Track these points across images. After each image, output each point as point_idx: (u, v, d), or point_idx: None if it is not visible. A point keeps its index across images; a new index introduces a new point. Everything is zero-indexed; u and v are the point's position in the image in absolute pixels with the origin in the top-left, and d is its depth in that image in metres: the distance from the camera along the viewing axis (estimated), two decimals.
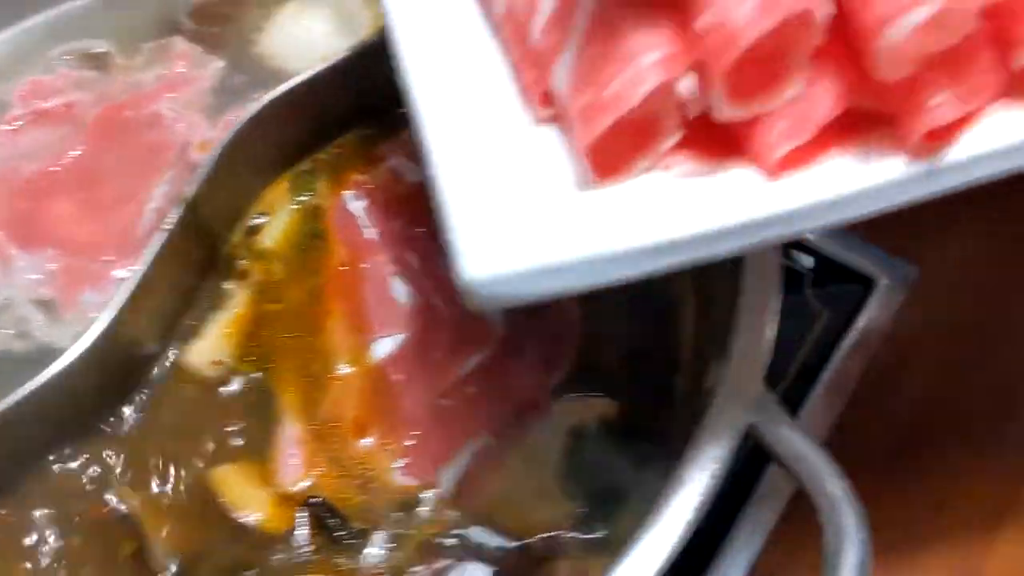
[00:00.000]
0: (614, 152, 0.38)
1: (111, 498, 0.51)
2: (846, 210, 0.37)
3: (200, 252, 0.56)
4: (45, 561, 0.50)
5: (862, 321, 0.65)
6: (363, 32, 0.62)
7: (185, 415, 0.54)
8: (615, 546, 0.44)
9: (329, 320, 0.56)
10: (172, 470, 0.52)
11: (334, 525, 0.51)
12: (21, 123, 0.63)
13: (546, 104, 0.42)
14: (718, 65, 0.35)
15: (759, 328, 0.47)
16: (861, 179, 0.37)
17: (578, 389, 0.54)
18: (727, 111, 0.36)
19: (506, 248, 0.38)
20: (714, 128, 0.38)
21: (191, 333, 0.56)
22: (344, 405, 0.54)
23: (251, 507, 0.52)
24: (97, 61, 0.65)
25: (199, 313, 0.56)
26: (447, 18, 0.47)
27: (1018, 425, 0.60)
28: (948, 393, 0.62)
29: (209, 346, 0.55)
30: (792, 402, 0.62)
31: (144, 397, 0.54)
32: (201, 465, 0.53)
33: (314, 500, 0.51)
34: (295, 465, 0.52)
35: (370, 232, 0.58)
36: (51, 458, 0.52)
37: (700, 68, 0.36)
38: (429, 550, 0.51)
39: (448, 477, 0.52)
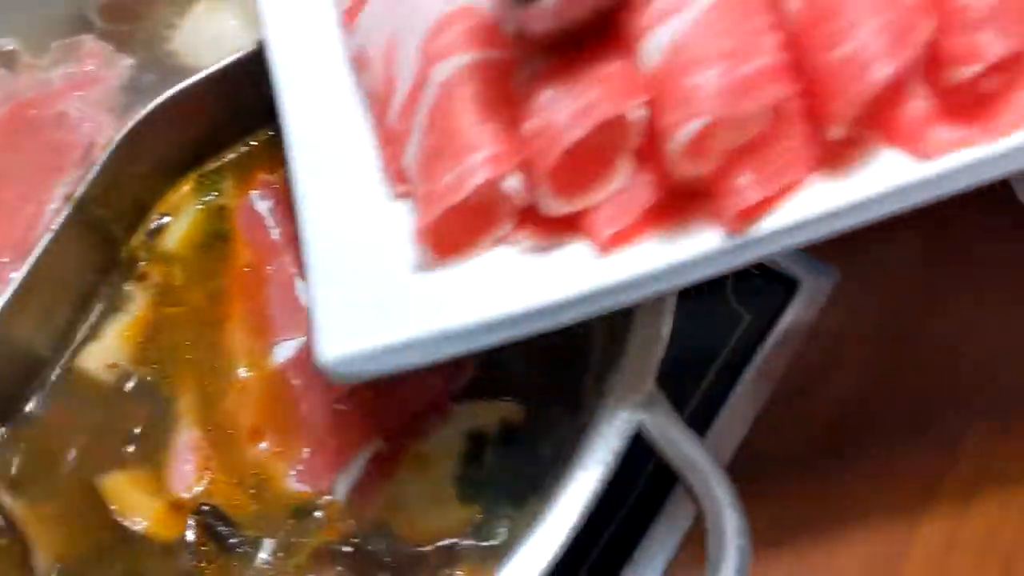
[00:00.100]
0: (451, 235, 0.41)
1: None
2: (676, 279, 0.39)
3: (98, 253, 0.55)
4: None
5: (784, 323, 0.64)
6: None
7: (78, 419, 0.53)
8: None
9: (230, 323, 0.55)
10: (61, 475, 0.51)
11: (225, 533, 0.49)
12: None
13: (401, 181, 0.44)
14: (542, 165, 0.38)
15: (651, 329, 0.46)
16: (686, 251, 0.38)
17: (483, 392, 0.52)
18: (553, 206, 0.39)
19: (355, 329, 0.40)
20: None
21: (88, 335, 0.54)
22: (241, 411, 0.52)
23: (141, 514, 0.50)
24: (4, 59, 0.63)
25: (97, 315, 0.55)
26: (332, 86, 0.49)
27: (936, 426, 0.60)
28: (869, 393, 0.61)
29: (105, 349, 0.54)
30: (713, 403, 0.62)
31: (37, 400, 0.53)
32: (92, 470, 0.51)
33: (205, 507, 0.50)
34: (187, 471, 0.51)
35: (276, 233, 0.57)
36: None
37: (526, 167, 0.39)
38: (324, 558, 0.49)
39: (343, 484, 0.50)
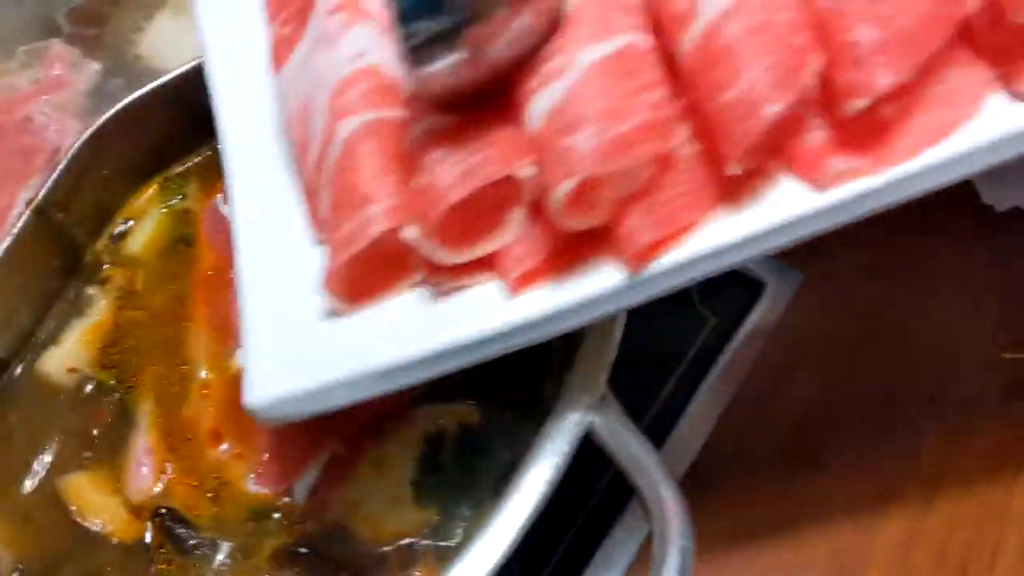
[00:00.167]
0: (363, 281, 0.42)
1: None
2: (585, 315, 0.40)
3: (60, 258, 0.55)
4: None
5: (749, 325, 0.64)
6: None
7: (38, 422, 0.53)
8: None
9: (193, 327, 0.55)
10: (21, 477, 0.51)
11: (183, 535, 0.50)
12: None
13: (320, 230, 0.45)
14: (428, 221, 0.39)
15: (604, 332, 0.46)
16: (592, 288, 0.40)
17: (441, 395, 0.53)
18: (443, 257, 0.41)
19: (279, 375, 0.41)
20: None
21: (49, 339, 0.55)
22: (201, 414, 0.53)
23: (101, 516, 0.51)
24: None
25: (58, 319, 0.55)
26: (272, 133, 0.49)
27: (897, 425, 0.60)
28: (832, 393, 0.62)
29: (66, 353, 0.54)
30: (678, 404, 0.62)
31: None
32: (52, 472, 0.52)
33: (163, 510, 0.50)
34: (145, 474, 0.51)
35: None
36: None
37: (418, 220, 0.40)
38: (282, 559, 0.50)
39: (302, 486, 0.51)
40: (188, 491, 0.51)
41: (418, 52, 0.38)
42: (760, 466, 0.60)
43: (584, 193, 0.37)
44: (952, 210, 0.64)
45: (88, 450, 0.52)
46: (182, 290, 0.56)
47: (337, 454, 0.51)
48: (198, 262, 0.57)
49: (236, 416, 0.52)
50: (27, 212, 0.52)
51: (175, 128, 0.58)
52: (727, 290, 0.65)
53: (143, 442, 0.52)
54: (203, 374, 0.54)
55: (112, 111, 0.55)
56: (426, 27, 0.37)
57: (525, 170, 0.39)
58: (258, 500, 0.51)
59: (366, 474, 0.51)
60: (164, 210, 0.59)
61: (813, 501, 0.59)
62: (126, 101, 0.55)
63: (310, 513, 0.50)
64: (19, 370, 0.54)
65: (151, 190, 0.59)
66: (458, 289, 0.42)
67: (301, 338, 0.43)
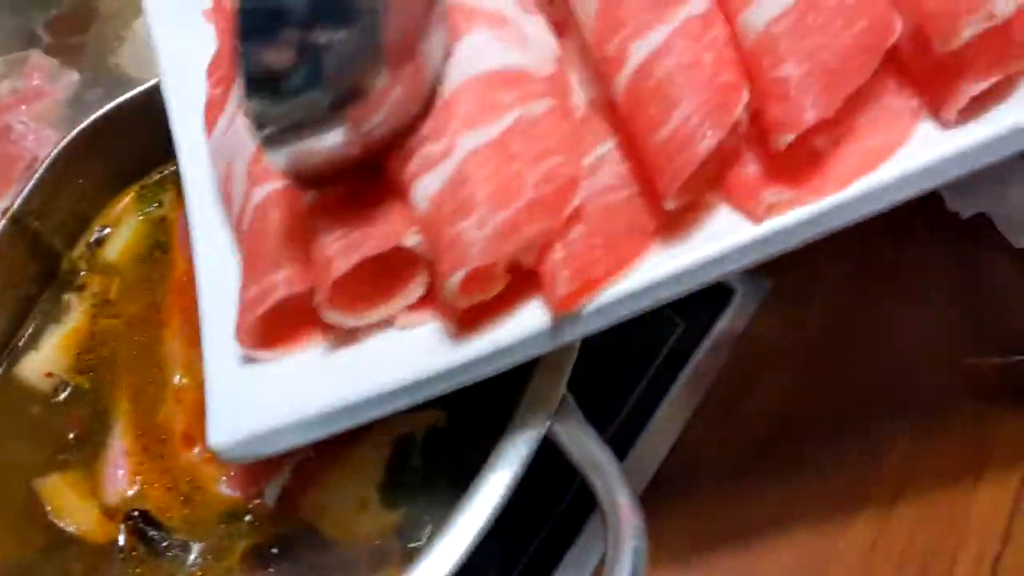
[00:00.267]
0: (274, 334, 0.44)
1: None
2: (522, 353, 0.41)
3: (37, 265, 0.56)
4: None
5: (717, 331, 0.65)
6: None
7: (14, 426, 0.54)
8: None
9: (167, 332, 0.56)
10: None
11: (156, 537, 0.51)
12: None
13: None
14: (319, 290, 0.41)
15: None
16: (528, 328, 0.41)
17: None
18: (341, 321, 0.42)
19: (239, 418, 0.43)
20: None
21: (26, 345, 0.56)
22: (175, 417, 0.54)
23: (76, 518, 0.52)
24: None
25: (35, 325, 0.56)
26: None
27: (862, 432, 0.61)
28: (798, 400, 0.63)
29: (43, 358, 0.55)
30: (645, 410, 0.63)
31: None
32: (29, 474, 0.52)
33: (135, 512, 0.51)
34: (120, 477, 0.52)
35: None
36: None
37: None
38: (254, 561, 0.51)
39: (273, 489, 0.52)
40: (161, 493, 0.52)
41: (275, 137, 0.38)
42: (726, 471, 0.61)
43: (476, 278, 0.39)
44: (918, 217, 0.66)
45: (64, 453, 0.53)
46: (158, 297, 0.57)
47: (307, 457, 0.52)
48: (174, 269, 0.58)
49: None
50: (3, 221, 0.53)
51: (152, 137, 0.59)
52: (696, 297, 0.66)
53: (118, 445, 0.53)
54: (177, 379, 0.54)
55: (89, 121, 0.56)
56: (281, 110, 0.37)
57: (412, 240, 0.40)
58: (230, 502, 0.51)
59: (336, 477, 0.52)
60: (141, 218, 0.60)
61: (778, 507, 0.60)
62: (103, 111, 0.56)
63: (281, 515, 0.51)
64: None
65: (128, 198, 0.60)
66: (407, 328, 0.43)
67: (259, 382, 0.44)
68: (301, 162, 0.40)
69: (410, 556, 0.50)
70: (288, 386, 0.44)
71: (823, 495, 0.60)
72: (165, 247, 0.58)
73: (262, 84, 0.37)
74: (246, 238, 0.45)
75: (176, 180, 0.60)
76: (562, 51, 0.44)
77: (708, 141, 0.37)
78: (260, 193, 0.44)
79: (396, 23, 0.38)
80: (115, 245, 0.59)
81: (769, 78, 0.37)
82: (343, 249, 0.40)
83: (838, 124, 0.39)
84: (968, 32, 0.35)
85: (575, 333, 0.41)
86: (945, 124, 0.38)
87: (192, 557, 0.51)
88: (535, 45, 0.43)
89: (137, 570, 0.50)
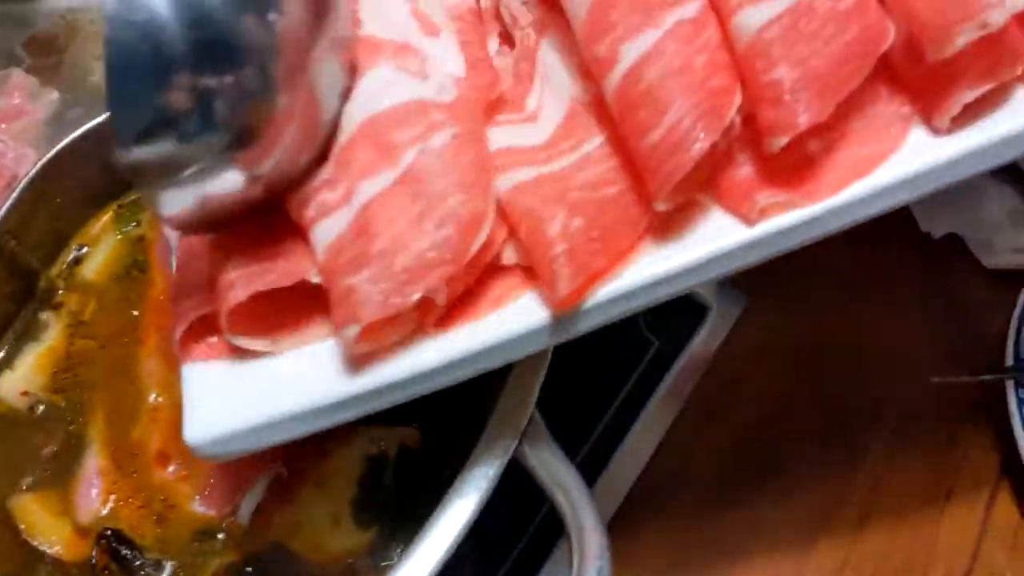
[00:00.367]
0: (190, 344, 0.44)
1: None
2: (512, 352, 0.41)
3: (14, 283, 0.57)
4: None
5: (693, 348, 0.66)
6: None
7: None
8: None
9: (144, 351, 0.56)
10: None
11: (129, 556, 0.51)
12: None
13: None
14: (220, 316, 0.41)
15: (532, 358, 0.48)
16: (520, 326, 0.40)
17: (383, 417, 0.54)
18: (248, 344, 0.42)
19: (216, 414, 0.42)
20: None
21: (2, 363, 0.56)
22: (150, 436, 0.54)
23: (49, 536, 0.52)
24: None
25: (11, 343, 0.57)
26: None
27: (835, 450, 0.62)
28: (772, 417, 0.63)
29: (18, 377, 0.56)
30: (620, 428, 0.64)
31: None
32: (2, 493, 0.53)
33: (108, 531, 0.51)
34: (93, 496, 0.52)
35: None
36: None
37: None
38: None
39: (246, 507, 0.52)
40: (135, 512, 0.52)
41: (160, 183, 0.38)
42: (700, 489, 0.62)
43: (374, 328, 0.39)
44: (893, 237, 0.66)
45: (39, 471, 0.53)
46: (135, 316, 0.58)
47: (280, 475, 0.52)
48: (151, 288, 0.58)
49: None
50: None
51: None
52: (672, 314, 0.66)
53: (93, 464, 0.53)
54: (153, 398, 0.55)
55: (68, 140, 0.56)
56: (169, 157, 0.37)
57: (317, 278, 0.40)
58: (203, 521, 0.52)
59: (309, 495, 0.52)
60: (119, 237, 0.60)
61: (749, 528, 0.60)
62: (82, 130, 0.57)
63: (254, 533, 0.51)
64: None
65: (106, 217, 0.60)
66: None
67: (239, 377, 0.43)
68: (192, 209, 0.39)
69: (382, 575, 0.50)
70: (270, 383, 0.43)
71: (795, 514, 0.60)
72: (143, 266, 0.59)
73: (150, 131, 0.36)
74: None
75: None
76: (542, 48, 0.44)
77: (700, 145, 0.37)
78: None
79: (287, 62, 0.37)
80: (93, 264, 0.59)
81: (762, 82, 0.37)
82: (241, 279, 0.40)
83: (831, 129, 0.39)
84: (962, 40, 0.36)
85: (567, 333, 0.41)
86: (937, 131, 0.39)
87: None
88: (438, 69, 0.42)
89: None
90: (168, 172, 0.37)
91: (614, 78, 0.39)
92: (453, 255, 0.39)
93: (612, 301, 0.40)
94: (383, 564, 0.51)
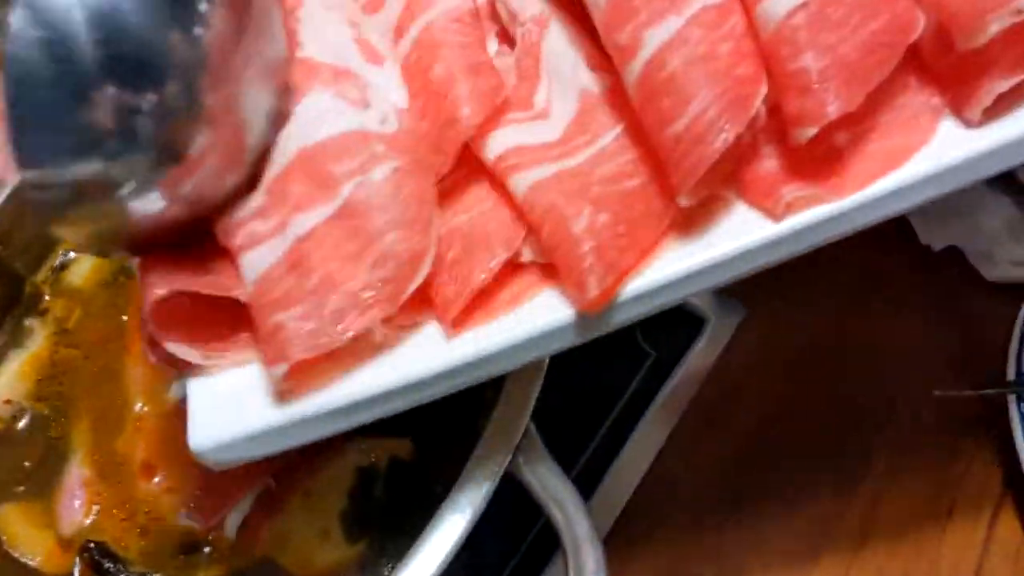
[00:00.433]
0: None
1: None
2: (530, 353, 0.39)
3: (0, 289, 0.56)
4: None
5: (690, 360, 0.65)
6: None
7: None
8: None
9: (130, 359, 0.55)
10: None
11: (112, 569, 0.50)
12: None
13: None
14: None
15: (528, 371, 0.47)
16: (540, 326, 0.38)
17: (374, 428, 0.53)
18: (186, 355, 0.40)
19: (222, 419, 0.40)
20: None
21: None
22: (135, 446, 0.53)
23: (32, 548, 0.51)
24: None
25: None
26: None
27: (834, 464, 0.61)
28: (770, 430, 0.62)
29: (3, 384, 0.55)
30: (617, 439, 0.63)
31: None
32: None
33: (91, 544, 0.50)
34: (76, 507, 0.51)
35: None
36: None
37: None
38: None
39: (233, 519, 0.51)
40: (118, 524, 0.51)
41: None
42: (698, 502, 0.61)
43: (303, 367, 0.38)
44: (893, 248, 0.65)
45: (21, 482, 0.52)
46: (122, 323, 0.57)
47: (268, 487, 0.51)
48: (138, 294, 0.57)
49: (170, 449, 0.52)
50: None
51: None
52: (668, 326, 0.66)
53: (76, 474, 0.52)
54: (138, 407, 0.54)
55: None
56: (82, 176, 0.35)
57: (244, 297, 0.39)
58: (189, 534, 0.51)
59: (297, 507, 0.51)
60: None
61: (747, 542, 0.59)
62: None
63: (240, 547, 0.50)
64: None
65: None
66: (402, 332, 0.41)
67: (245, 381, 0.41)
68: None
69: None
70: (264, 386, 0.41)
71: (795, 528, 0.59)
72: (129, 272, 0.58)
73: (58, 153, 0.35)
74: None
75: None
76: (546, 42, 0.42)
77: (725, 136, 0.35)
78: None
79: (213, 82, 0.36)
80: (79, 269, 0.58)
81: (789, 70, 0.36)
82: (163, 279, 0.39)
83: (859, 121, 0.37)
84: (994, 28, 0.34)
85: (590, 332, 0.39)
86: (969, 123, 0.37)
87: None
88: (380, 99, 0.41)
89: None
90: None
91: (636, 66, 0.37)
92: (389, 296, 0.38)
93: (637, 298, 0.38)
94: None
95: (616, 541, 0.59)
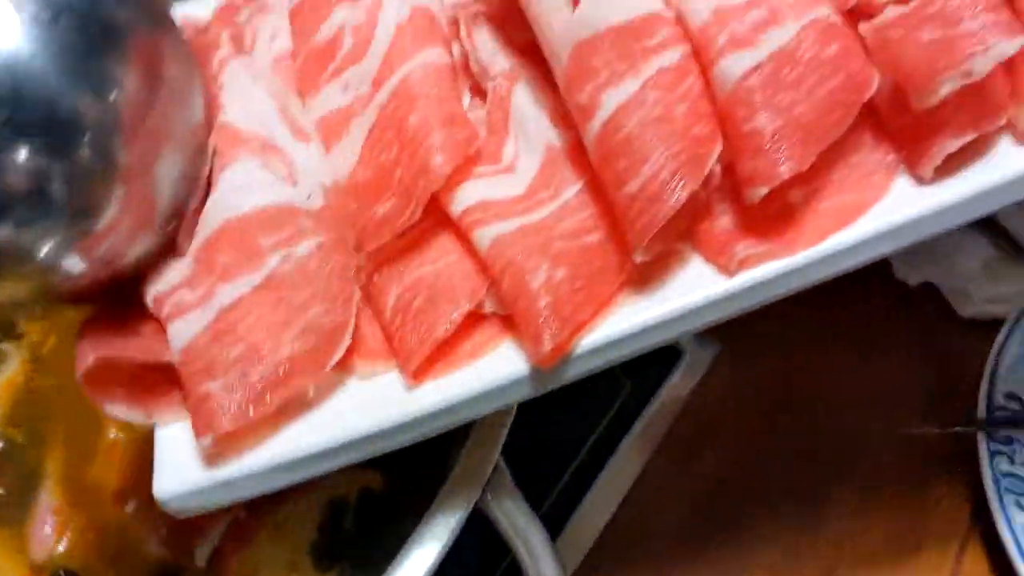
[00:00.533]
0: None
1: None
2: (488, 404, 0.40)
3: None
4: None
5: (665, 392, 0.65)
6: None
7: None
8: None
9: None
10: None
11: None
12: None
13: None
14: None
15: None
16: (496, 378, 0.39)
17: None
18: (124, 416, 0.41)
19: (185, 469, 0.40)
20: None
21: None
22: (108, 474, 0.53)
23: (3, 574, 0.51)
24: None
25: None
26: None
27: (805, 501, 0.61)
28: (742, 463, 0.63)
29: None
30: (591, 470, 0.63)
31: None
32: None
33: (63, 572, 0.50)
34: (48, 534, 0.51)
35: None
36: None
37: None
38: None
39: (203, 550, 0.51)
40: (90, 552, 0.51)
41: None
42: (665, 542, 0.61)
43: (232, 436, 0.38)
44: (869, 285, 0.66)
45: None
46: None
47: (239, 518, 0.51)
48: None
49: (142, 477, 0.52)
50: None
51: None
52: (644, 358, 0.65)
53: (48, 501, 0.52)
54: (112, 434, 0.54)
55: None
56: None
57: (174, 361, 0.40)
58: (160, 562, 0.51)
59: (267, 538, 0.51)
60: None
61: (721, 571, 0.59)
62: None
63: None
64: None
65: None
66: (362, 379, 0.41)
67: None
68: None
69: None
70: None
71: (764, 563, 0.60)
72: None
73: None
74: None
75: None
76: (515, 97, 0.43)
77: (678, 196, 0.36)
78: None
79: (126, 144, 0.36)
80: None
81: (743, 131, 0.37)
82: (92, 345, 0.40)
83: (813, 178, 0.38)
84: (946, 89, 0.35)
85: (547, 384, 0.40)
86: (921, 181, 0.38)
87: None
88: (305, 176, 0.42)
89: None
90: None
91: (595, 125, 0.38)
92: (312, 366, 0.39)
93: (593, 352, 0.39)
94: None
95: (591, 572, 0.60)
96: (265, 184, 0.40)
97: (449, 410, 0.39)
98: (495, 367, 0.39)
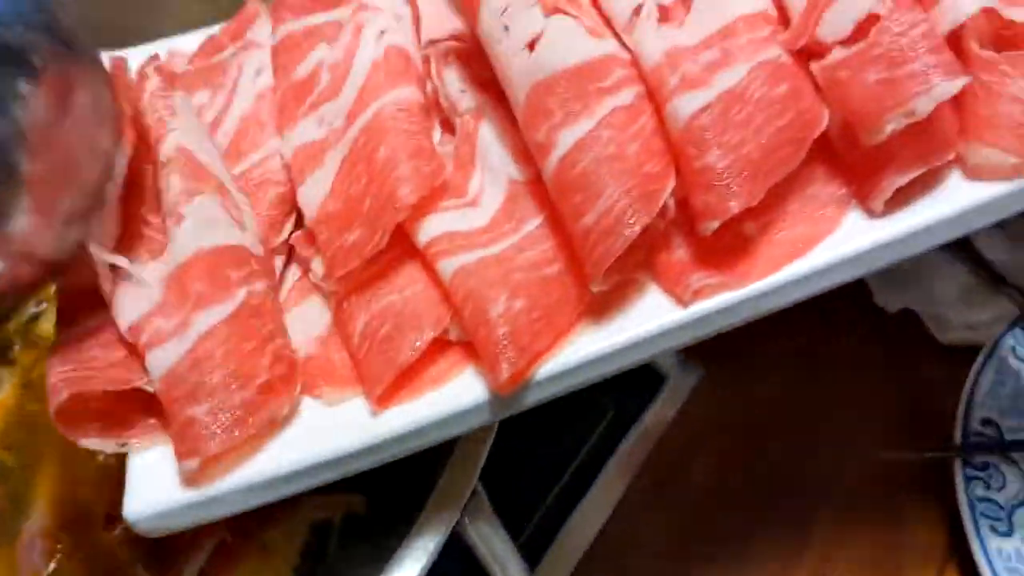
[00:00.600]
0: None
1: None
2: (449, 430, 0.41)
3: None
4: None
5: (648, 417, 0.66)
6: None
7: None
8: None
9: None
10: None
11: None
12: None
13: None
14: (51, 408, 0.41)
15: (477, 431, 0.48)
16: (457, 404, 0.40)
17: (331, 484, 0.54)
18: (96, 446, 0.42)
19: (157, 490, 0.41)
20: None
21: None
22: (97, 496, 0.54)
23: None
24: None
25: None
26: None
27: (784, 525, 0.62)
28: (725, 485, 0.64)
29: None
30: (574, 495, 0.64)
31: None
32: None
33: None
34: (38, 556, 0.52)
35: None
36: None
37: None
38: None
39: (189, 572, 0.52)
40: (79, 574, 0.52)
41: None
42: (646, 567, 0.61)
43: (216, 458, 0.40)
44: (850, 310, 0.67)
45: None
46: None
47: (224, 541, 0.52)
48: None
49: None
50: None
51: None
52: (628, 383, 0.66)
53: (37, 524, 0.53)
54: (101, 458, 0.55)
55: None
56: None
57: (150, 387, 0.41)
58: None
59: (252, 561, 0.52)
60: None
61: None
62: None
63: None
64: None
65: None
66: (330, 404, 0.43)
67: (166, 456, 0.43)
68: None
69: None
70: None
71: None
72: None
73: None
74: None
75: None
76: (481, 132, 0.45)
77: (632, 229, 0.37)
78: None
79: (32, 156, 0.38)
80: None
81: (695, 167, 0.38)
82: (65, 382, 0.41)
83: (767, 211, 0.40)
84: (891, 127, 0.37)
85: (506, 410, 0.41)
86: (872, 214, 0.39)
87: None
88: (249, 225, 0.44)
89: None
90: None
91: (551, 162, 0.40)
92: (283, 393, 0.41)
93: (551, 379, 0.40)
94: None
95: None
96: (225, 224, 0.42)
97: (414, 433, 0.40)
98: (457, 393, 0.40)
